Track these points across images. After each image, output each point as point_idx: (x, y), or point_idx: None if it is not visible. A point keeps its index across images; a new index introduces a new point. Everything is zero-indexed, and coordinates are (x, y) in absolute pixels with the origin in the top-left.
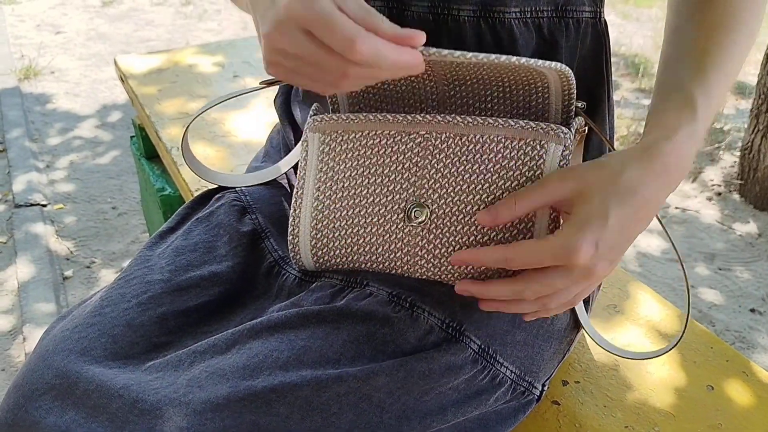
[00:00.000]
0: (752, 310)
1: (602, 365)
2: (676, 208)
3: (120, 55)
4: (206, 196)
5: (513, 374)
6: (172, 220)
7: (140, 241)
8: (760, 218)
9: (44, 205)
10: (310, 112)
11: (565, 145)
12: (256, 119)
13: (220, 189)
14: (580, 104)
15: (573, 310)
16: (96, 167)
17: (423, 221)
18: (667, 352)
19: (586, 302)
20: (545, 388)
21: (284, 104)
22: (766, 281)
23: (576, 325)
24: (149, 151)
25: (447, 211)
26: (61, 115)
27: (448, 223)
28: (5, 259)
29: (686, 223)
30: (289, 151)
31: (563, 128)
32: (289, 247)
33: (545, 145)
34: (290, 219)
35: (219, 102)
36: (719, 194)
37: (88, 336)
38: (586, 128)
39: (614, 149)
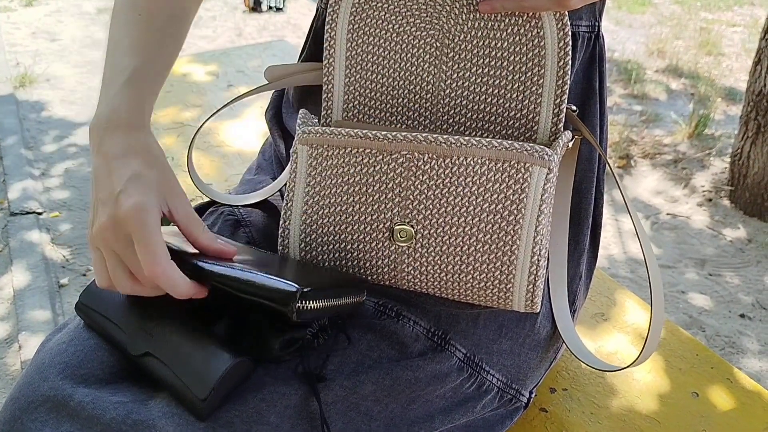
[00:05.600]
0: (742, 316)
1: (590, 372)
2: (667, 214)
3: None
4: (200, 209)
5: (500, 382)
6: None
7: None
8: (749, 224)
9: (39, 213)
10: (298, 121)
11: (549, 168)
12: (250, 129)
13: (214, 202)
14: (573, 107)
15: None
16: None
17: (408, 241)
18: (636, 364)
19: (572, 307)
20: (533, 395)
21: (275, 117)
22: (755, 287)
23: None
24: None
25: (432, 232)
26: (57, 122)
27: (434, 244)
28: (0, 267)
29: (677, 229)
30: (281, 164)
31: (548, 150)
32: (279, 249)
33: (530, 168)
34: (280, 230)
35: (221, 109)
36: (710, 200)
37: (83, 349)
38: (580, 138)
39: (607, 160)
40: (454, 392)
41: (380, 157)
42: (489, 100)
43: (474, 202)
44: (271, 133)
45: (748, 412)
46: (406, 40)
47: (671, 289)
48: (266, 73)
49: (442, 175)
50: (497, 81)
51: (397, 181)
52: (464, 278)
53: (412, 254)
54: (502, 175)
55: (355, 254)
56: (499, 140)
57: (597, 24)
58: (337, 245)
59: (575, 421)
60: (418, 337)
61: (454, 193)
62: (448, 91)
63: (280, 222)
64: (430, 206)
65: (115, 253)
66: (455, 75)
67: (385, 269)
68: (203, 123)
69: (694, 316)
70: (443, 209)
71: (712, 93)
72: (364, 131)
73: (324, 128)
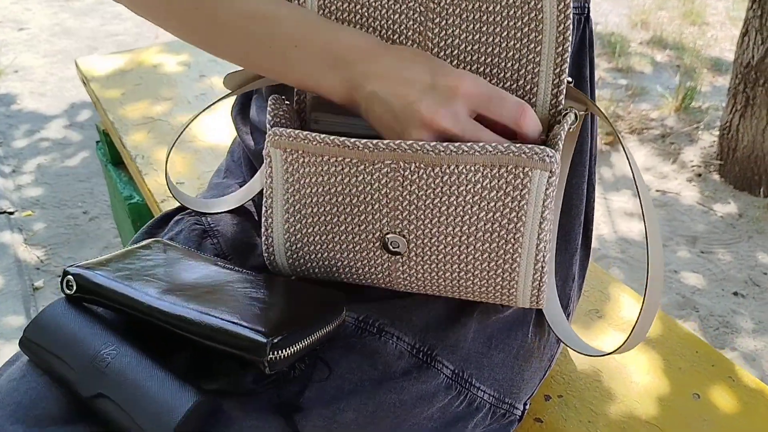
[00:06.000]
0: (735, 294)
1: (585, 376)
2: (657, 190)
3: (81, 57)
4: (165, 219)
5: (491, 398)
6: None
7: (113, 246)
8: (740, 198)
9: (11, 213)
10: (269, 111)
11: (551, 171)
12: (223, 123)
13: (182, 208)
14: (569, 79)
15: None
16: (65, 170)
17: (401, 251)
18: (624, 350)
19: (566, 311)
20: (527, 407)
21: (241, 113)
22: (747, 263)
23: (558, 338)
24: (115, 157)
25: (426, 241)
26: (27, 116)
27: (429, 252)
28: None
29: (667, 206)
30: (252, 165)
31: (549, 151)
32: (264, 255)
33: (529, 173)
34: (263, 238)
35: (197, 116)
36: (699, 175)
37: (37, 387)
38: (581, 121)
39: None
40: (443, 412)
41: (362, 167)
42: (481, 69)
43: (470, 211)
44: (238, 132)
45: (752, 413)
46: (386, 5)
47: (665, 269)
48: (226, 82)
49: (432, 185)
50: (489, 49)
51: (383, 192)
52: (464, 283)
53: (407, 262)
54: (498, 181)
55: (346, 263)
56: (493, 144)
57: (586, 5)
58: (326, 254)
59: (572, 431)
60: (402, 354)
61: (447, 202)
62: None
63: (262, 230)
64: (422, 216)
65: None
66: (443, 43)
67: (380, 276)
68: (181, 132)
69: (687, 296)
70: (436, 219)
71: (698, 64)
72: (342, 139)
73: (297, 132)
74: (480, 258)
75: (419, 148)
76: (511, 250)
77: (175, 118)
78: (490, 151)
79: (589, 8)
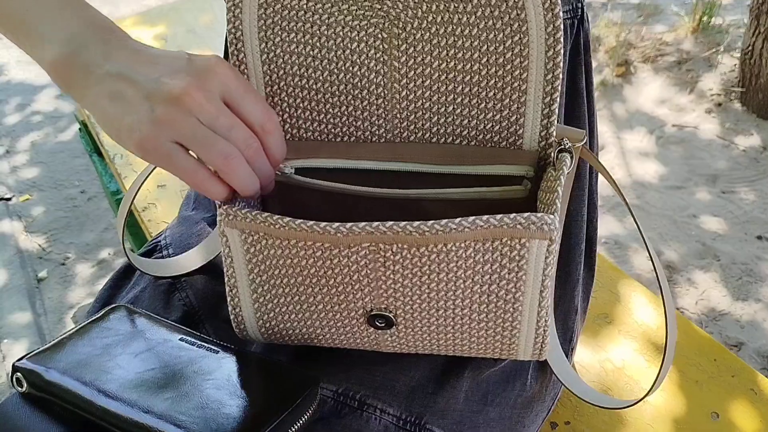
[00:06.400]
0: (759, 237)
1: None
2: (673, 125)
3: None
4: (131, 268)
5: None
6: (94, 306)
7: (113, 227)
8: (764, 128)
9: (8, 199)
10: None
11: (550, 239)
12: None
13: (150, 251)
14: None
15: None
16: (59, 146)
17: (389, 327)
18: (645, 396)
19: (570, 344)
20: None
21: None
22: None
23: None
24: (98, 148)
25: (416, 316)
26: (17, 87)
27: (420, 325)
28: None
29: (684, 142)
30: None
31: (547, 218)
32: (231, 318)
33: (526, 244)
34: (231, 316)
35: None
36: (719, 105)
37: None
38: (579, 147)
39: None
40: None
41: (336, 250)
42: (459, 100)
43: (462, 285)
44: None
45: None
46: (341, 33)
47: (681, 213)
48: None
49: (419, 264)
50: (467, 77)
51: (363, 273)
52: (459, 345)
53: (395, 334)
54: (493, 254)
55: (327, 335)
56: (484, 218)
57: (580, 5)
58: (305, 328)
59: None
60: (387, 430)
61: (436, 279)
62: (405, 92)
63: (229, 308)
64: (409, 293)
65: (210, 126)
66: (412, 72)
67: (366, 343)
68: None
69: (707, 243)
70: (426, 295)
71: None
72: (309, 223)
73: (255, 213)
74: (477, 327)
75: (400, 230)
76: (510, 318)
77: None
78: (482, 226)
79: (582, 7)
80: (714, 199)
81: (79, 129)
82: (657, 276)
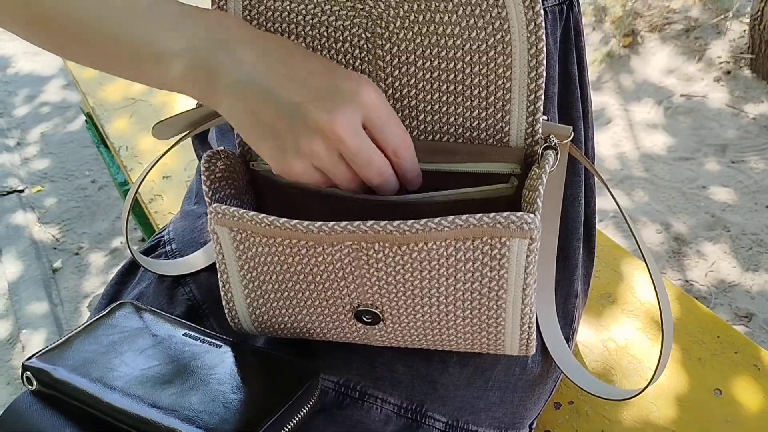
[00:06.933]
0: None
1: (598, 377)
2: (681, 95)
3: None
4: (136, 264)
5: None
6: (101, 303)
7: None
8: None
9: (21, 191)
10: (204, 188)
11: (531, 237)
12: None
13: (153, 247)
14: (546, 117)
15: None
16: (68, 136)
17: (376, 322)
18: (646, 387)
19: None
20: (534, 426)
21: (199, 136)
22: None
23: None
24: (105, 140)
25: (402, 311)
26: (24, 79)
27: (407, 321)
28: None
29: (693, 112)
30: None
31: (527, 217)
32: (226, 313)
33: (506, 242)
34: (225, 310)
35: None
36: (728, 72)
37: None
38: (566, 144)
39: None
40: None
41: (320, 248)
42: (444, 98)
43: (445, 283)
44: (198, 157)
45: None
46: (325, 34)
47: (690, 185)
48: (155, 133)
49: (401, 262)
50: (451, 76)
51: (347, 270)
52: (447, 340)
53: (383, 329)
54: (474, 253)
55: (318, 330)
56: (463, 217)
57: None
58: (296, 323)
59: None
60: (389, 419)
61: (419, 277)
62: (390, 91)
63: (223, 303)
64: (393, 290)
65: (353, 156)
66: (396, 71)
67: (356, 338)
68: (131, 198)
69: (717, 214)
70: (410, 292)
71: None
72: (293, 222)
73: (242, 212)
74: (462, 323)
75: (381, 229)
76: (495, 315)
77: (155, 97)
78: (461, 225)
79: None
80: (723, 169)
81: (86, 121)
82: (648, 269)
